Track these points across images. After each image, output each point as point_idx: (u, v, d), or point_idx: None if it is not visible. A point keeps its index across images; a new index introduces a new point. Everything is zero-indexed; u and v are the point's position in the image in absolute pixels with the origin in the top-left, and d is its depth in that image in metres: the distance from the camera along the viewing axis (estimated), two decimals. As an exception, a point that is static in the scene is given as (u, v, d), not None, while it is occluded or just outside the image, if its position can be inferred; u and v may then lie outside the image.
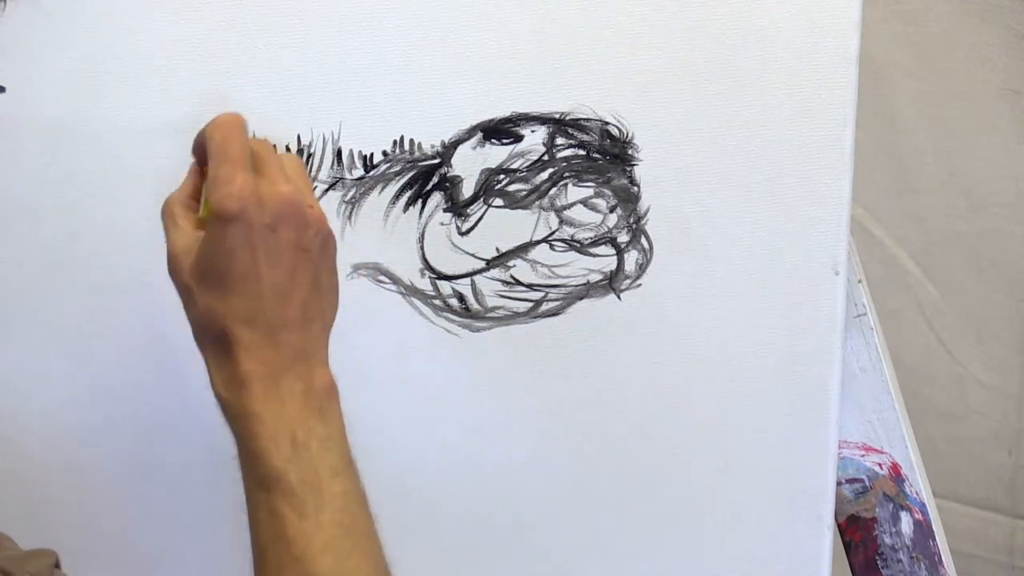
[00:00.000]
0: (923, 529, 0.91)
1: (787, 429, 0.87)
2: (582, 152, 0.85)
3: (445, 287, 0.86)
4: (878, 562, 0.92)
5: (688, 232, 0.86)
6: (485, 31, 0.84)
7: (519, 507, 0.88)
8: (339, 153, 0.84)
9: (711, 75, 0.84)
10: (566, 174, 0.85)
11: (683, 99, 0.85)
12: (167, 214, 0.71)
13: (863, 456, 0.90)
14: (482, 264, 0.86)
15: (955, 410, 1.48)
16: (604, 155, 0.85)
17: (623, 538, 0.88)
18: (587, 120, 0.85)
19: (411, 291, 0.86)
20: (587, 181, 0.86)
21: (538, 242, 0.86)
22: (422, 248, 0.85)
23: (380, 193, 0.85)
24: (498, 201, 0.85)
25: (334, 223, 0.84)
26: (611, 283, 0.86)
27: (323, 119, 0.84)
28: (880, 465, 0.91)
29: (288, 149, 0.84)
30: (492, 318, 0.86)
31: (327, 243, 0.71)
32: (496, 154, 0.85)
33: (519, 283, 0.86)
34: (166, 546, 0.86)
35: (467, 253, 0.86)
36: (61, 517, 0.85)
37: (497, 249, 0.86)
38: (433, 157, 0.85)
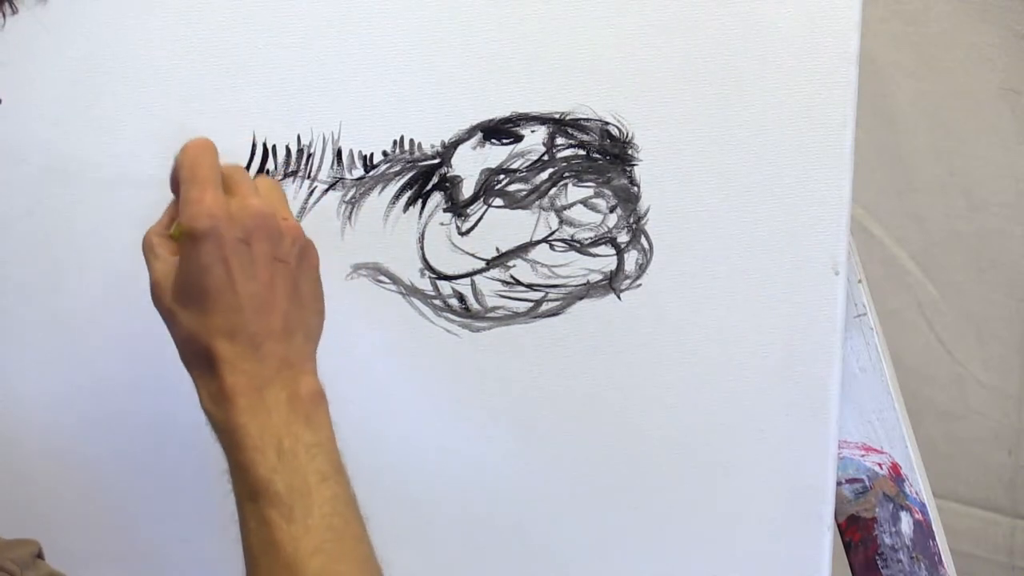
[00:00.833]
0: (923, 529, 0.91)
1: (787, 429, 0.87)
2: (582, 152, 0.85)
3: (445, 287, 0.86)
4: (878, 562, 0.92)
5: (688, 232, 0.86)
6: (485, 31, 0.84)
7: (519, 507, 0.88)
8: (339, 153, 0.84)
9: (711, 75, 0.84)
10: (566, 174, 0.85)
11: (683, 99, 0.85)
12: (147, 247, 0.71)
13: (863, 456, 0.90)
14: (482, 264, 0.86)
15: (955, 410, 1.48)
16: (604, 155, 0.85)
17: (623, 538, 0.88)
18: (587, 120, 0.85)
19: (411, 291, 0.86)
20: (587, 181, 0.86)
21: (538, 242, 0.86)
22: (422, 248, 0.85)
23: (380, 193, 0.85)
24: (498, 201, 0.85)
25: (334, 223, 0.84)
26: (611, 283, 0.86)
27: (323, 119, 0.84)
28: (880, 465, 0.91)
29: (288, 149, 0.84)
30: (492, 318, 0.86)
31: (305, 253, 0.71)
32: (496, 154, 0.85)
33: (519, 283, 0.86)
34: (165, 544, 0.86)
35: (467, 253, 0.86)
36: (59, 515, 0.85)
37: (497, 249, 0.86)
38: (433, 157, 0.85)
